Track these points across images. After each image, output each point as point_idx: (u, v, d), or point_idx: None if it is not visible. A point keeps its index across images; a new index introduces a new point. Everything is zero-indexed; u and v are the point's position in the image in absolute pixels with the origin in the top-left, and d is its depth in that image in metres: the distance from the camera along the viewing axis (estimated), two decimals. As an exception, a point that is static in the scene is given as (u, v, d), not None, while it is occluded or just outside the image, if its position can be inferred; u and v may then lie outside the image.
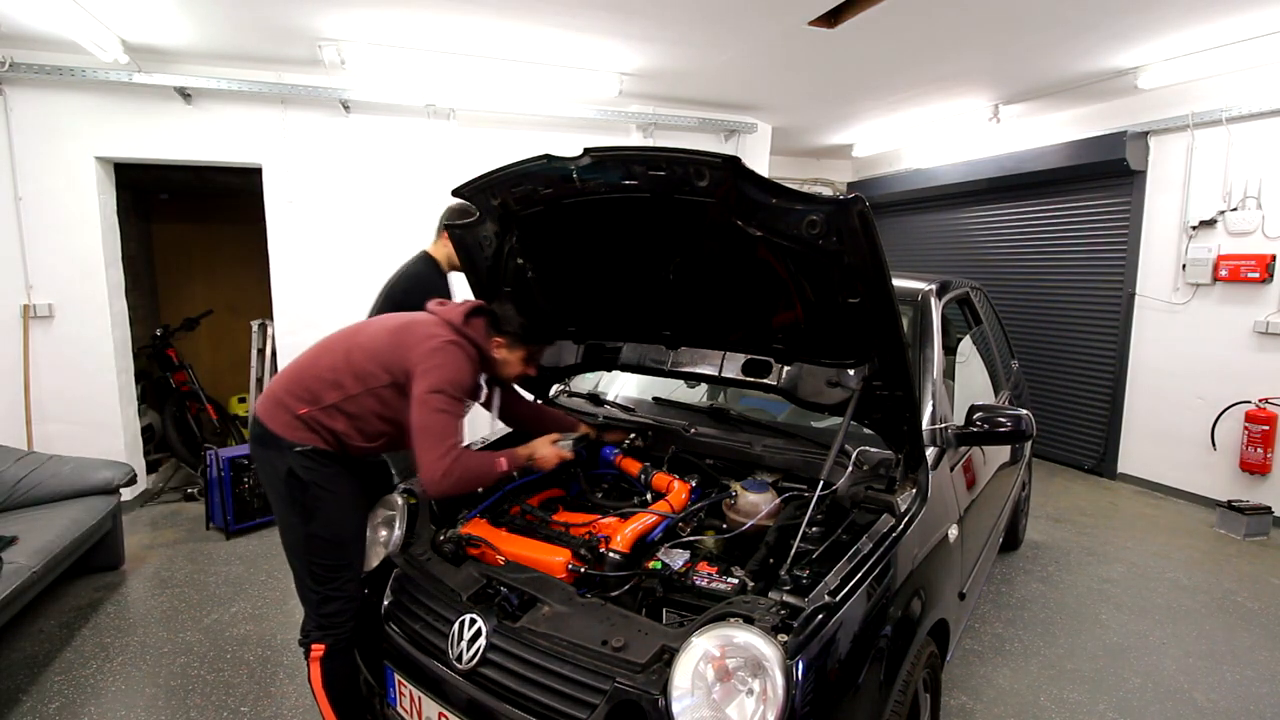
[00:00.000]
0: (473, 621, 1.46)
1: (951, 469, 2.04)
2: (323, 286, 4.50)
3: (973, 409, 2.07)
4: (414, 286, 2.69)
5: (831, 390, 1.79)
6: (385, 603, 1.74)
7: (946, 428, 2.04)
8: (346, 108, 4.34)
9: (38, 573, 2.63)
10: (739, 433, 2.12)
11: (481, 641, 1.43)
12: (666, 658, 1.27)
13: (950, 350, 2.53)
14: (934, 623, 1.69)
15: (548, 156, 1.68)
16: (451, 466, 1.66)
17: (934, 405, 2.03)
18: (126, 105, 3.96)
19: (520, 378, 2.00)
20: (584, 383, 2.76)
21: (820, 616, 1.29)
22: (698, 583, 1.55)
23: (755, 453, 2.02)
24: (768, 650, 1.20)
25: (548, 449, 1.95)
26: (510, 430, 2.39)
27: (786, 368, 1.90)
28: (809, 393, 1.84)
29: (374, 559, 1.87)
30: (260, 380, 4.97)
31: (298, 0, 3.21)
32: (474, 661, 1.41)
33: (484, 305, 1.92)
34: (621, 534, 1.73)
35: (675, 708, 1.19)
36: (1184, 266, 4.58)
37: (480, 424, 3.06)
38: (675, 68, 4.28)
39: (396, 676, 1.61)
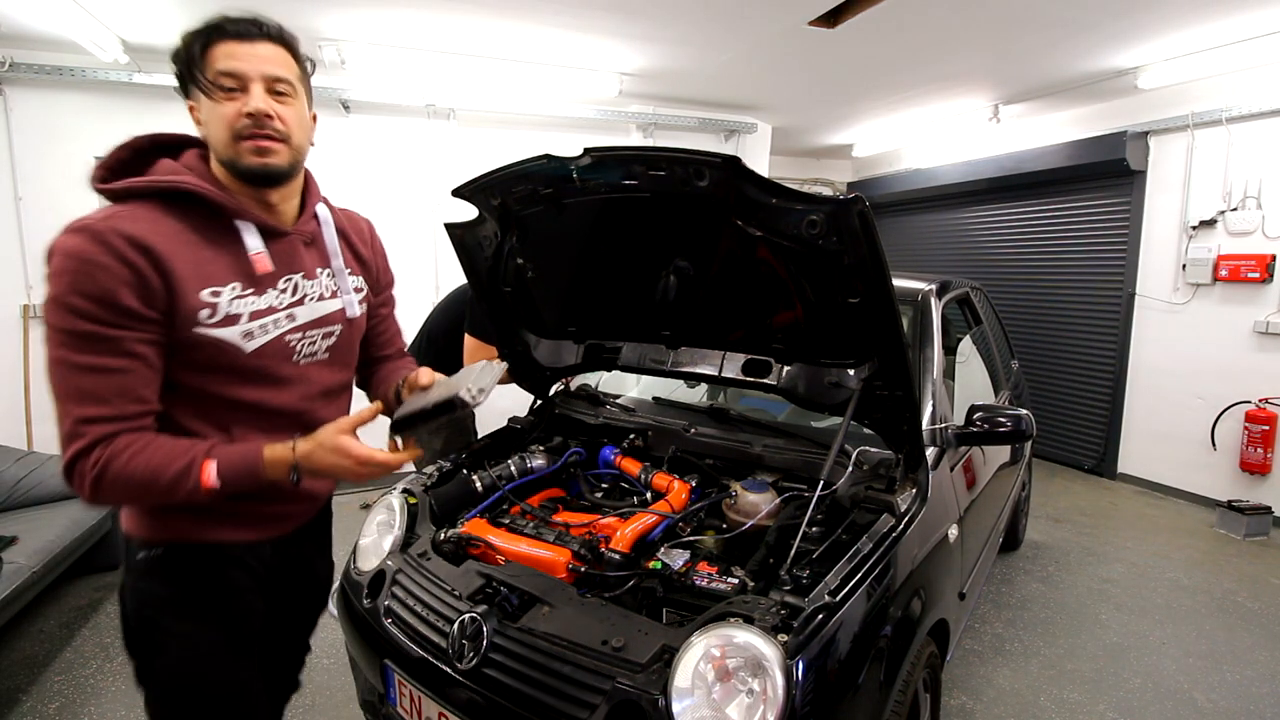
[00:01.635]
0: (473, 621, 1.46)
1: (951, 469, 2.04)
2: (323, 286, 4.49)
3: (973, 409, 2.07)
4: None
5: (831, 390, 1.79)
6: (385, 602, 1.74)
7: (946, 428, 2.04)
8: (346, 108, 4.34)
9: (38, 573, 2.63)
10: (739, 433, 2.12)
11: (482, 641, 1.43)
12: (666, 658, 1.27)
13: (950, 350, 2.53)
14: (934, 623, 1.69)
15: (548, 156, 1.68)
16: (79, 464, 0.98)
17: (934, 405, 2.03)
18: (126, 105, 3.95)
19: (255, 151, 1.06)
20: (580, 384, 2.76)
21: (820, 616, 1.29)
22: (698, 583, 1.55)
23: (755, 453, 2.02)
24: (768, 650, 1.20)
25: (350, 451, 1.06)
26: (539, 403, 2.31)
27: (786, 368, 1.90)
28: (809, 393, 1.84)
29: (373, 560, 1.87)
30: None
31: (298, 0, 3.21)
32: (474, 661, 1.41)
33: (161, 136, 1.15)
34: (621, 534, 1.73)
35: (675, 708, 1.19)
36: (1184, 266, 4.58)
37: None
38: (675, 68, 4.28)
39: (396, 676, 1.60)
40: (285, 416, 1.15)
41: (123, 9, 3.26)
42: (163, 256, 1.00)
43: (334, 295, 1.24)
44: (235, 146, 1.05)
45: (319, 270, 1.22)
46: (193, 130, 1.14)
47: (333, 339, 1.23)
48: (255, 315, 1.10)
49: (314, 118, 1.19)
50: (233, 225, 1.09)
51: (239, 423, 1.10)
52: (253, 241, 1.11)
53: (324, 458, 1.06)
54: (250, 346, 1.09)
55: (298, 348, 1.16)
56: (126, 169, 1.09)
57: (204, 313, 1.04)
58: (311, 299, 1.19)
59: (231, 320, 1.07)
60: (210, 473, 1.01)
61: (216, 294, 1.06)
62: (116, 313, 0.97)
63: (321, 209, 1.24)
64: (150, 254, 0.99)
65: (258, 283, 1.11)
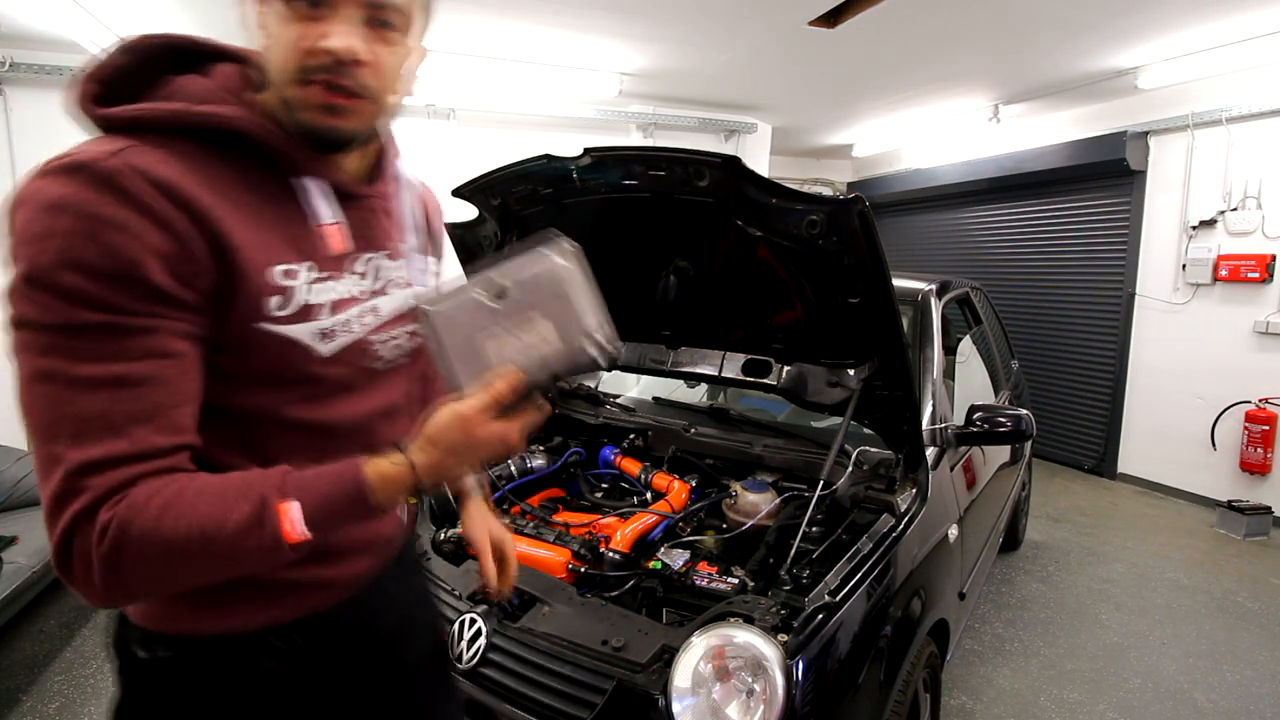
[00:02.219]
0: (473, 621, 1.46)
1: (951, 469, 2.04)
2: (323, 286, 4.50)
3: (973, 409, 2.07)
4: None
5: (831, 390, 1.79)
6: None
7: (946, 428, 2.04)
8: (346, 108, 4.34)
9: (38, 572, 2.63)
10: (739, 433, 2.12)
11: (481, 641, 1.43)
12: (667, 657, 1.27)
13: (950, 350, 2.53)
14: (934, 623, 1.69)
15: (548, 156, 1.69)
16: (78, 536, 0.62)
17: (934, 405, 2.03)
18: (126, 105, 3.95)
19: (325, 103, 0.71)
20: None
21: (820, 616, 1.29)
22: (698, 583, 1.55)
23: (755, 453, 2.02)
24: (768, 650, 1.20)
25: (500, 437, 0.74)
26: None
27: (786, 368, 1.90)
28: (809, 393, 1.84)
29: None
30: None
31: (298, 0, 3.21)
32: (474, 661, 1.41)
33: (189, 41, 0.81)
34: (621, 534, 1.73)
35: (675, 708, 1.19)
36: (1184, 266, 4.58)
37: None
38: (675, 68, 4.28)
39: (396, 676, 1.61)
40: (349, 438, 0.82)
41: (123, 9, 3.26)
42: (210, 214, 0.66)
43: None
44: (300, 90, 0.71)
45: (402, 247, 0.90)
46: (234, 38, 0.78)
47: (419, 339, 0.89)
48: (338, 307, 0.78)
49: (423, 55, 0.83)
50: (289, 183, 0.76)
51: (292, 451, 0.76)
52: (324, 208, 0.78)
53: (457, 462, 0.72)
54: (327, 350, 0.77)
55: (380, 352, 0.84)
56: (130, 86, 0.72)
57: (274, 301, 0.71)
58: (397, 287, 0.87)
59: (309, 313, 0.75)
60: (293, 517, 0.65)
61: (291, 274, 0.73)
62: (139, 294, 0.63)
63: (403, 168, 0.94)
64: (191, 209, 0.65)
65: (333, 264, 0.78)
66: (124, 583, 0.63)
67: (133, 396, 0.63)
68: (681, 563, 1.63)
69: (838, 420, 1.84)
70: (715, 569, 1.60)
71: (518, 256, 0.76)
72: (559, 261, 0.75)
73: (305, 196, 0.77)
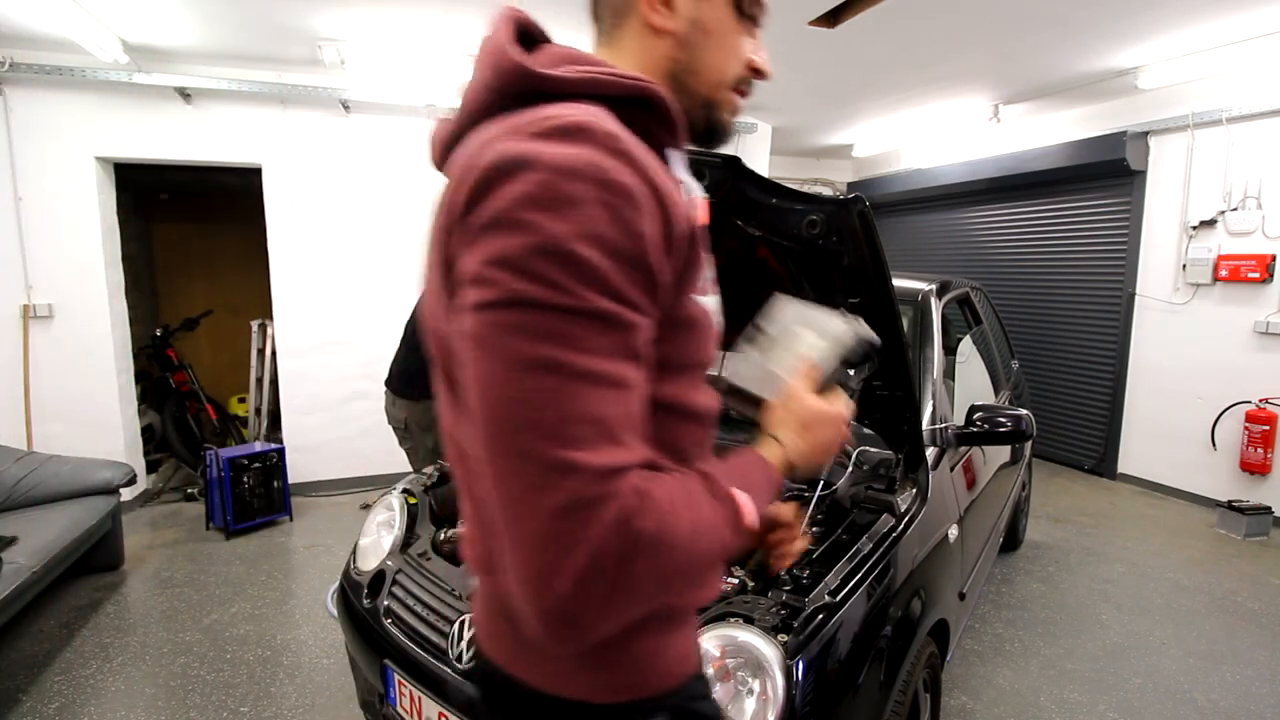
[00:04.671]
0: (473, 621, 1.46)
1: (951, 469, 2.05)
2: (323, 286, 4.50)
3: (973, 409, 2.07)
4: None
5: (831, 390, 1.79)
6: (385, 602, 1.74)
7: (946, 428, 2.04)
8: (346, 108, 4.34)
9: (38, 573, 2.63)
10: (739, 433, 2.12)
11: (481, 641, 1.43)
12: (666, 658, 1.27)
13: (950, 350, 2.53)
14: (934, 623, 1.69)
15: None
16: (608, 542, 0.53)
17: (934, 405, 2.03)
18: (126, 105, 3.95)
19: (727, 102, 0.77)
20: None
21: (820, 616, 1.29)
22: (698, 583, 1.55)
23: (755, 453, 2.02)
24: (768, 650, 1.20)
25: (841, 414, 0.87)
26: None
27: (786, 368, 1.90)
28: (809, 393, 1.84)
29: (373, 560, 1.87)
30: (260, 380, 4.97)
31: (297, 0, 3.21)
32: (474, 661, 1.41)
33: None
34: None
35: (675, 708, 1.19)
36: (1184, 266, 4.58)
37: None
38: (675, 68, 4.28)
39: (396, 676, 1.61)
40: (712, 428, 0.77)
41: (123, 9, 3.26)
42: (663, 184, 0.59)
43: None
44: (726, 93, 0.76)
45: None
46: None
47: None
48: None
49: None
50: (664, 155, 0.68)
51: (693, 445, 0.72)
52: (693, 181, 0.76)
53: (814, 439, 0.79)
54: (719, 321, 0.74)
55: None
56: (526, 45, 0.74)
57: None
58: None
59: (710, 282, 0.72)
60: (748, 509, 0.66)
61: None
62: (638, 280, 0.57)
63: None
64: (667, 178, 0.61)
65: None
66: (628, 605, 0.57)
67: (626, 400, 0.56)
68: (681, 563, 1.63)
69: (838, 420, 1.84)
70: (715, 569, 1.60)
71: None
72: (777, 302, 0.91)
73: (680, 168, 0.72)
